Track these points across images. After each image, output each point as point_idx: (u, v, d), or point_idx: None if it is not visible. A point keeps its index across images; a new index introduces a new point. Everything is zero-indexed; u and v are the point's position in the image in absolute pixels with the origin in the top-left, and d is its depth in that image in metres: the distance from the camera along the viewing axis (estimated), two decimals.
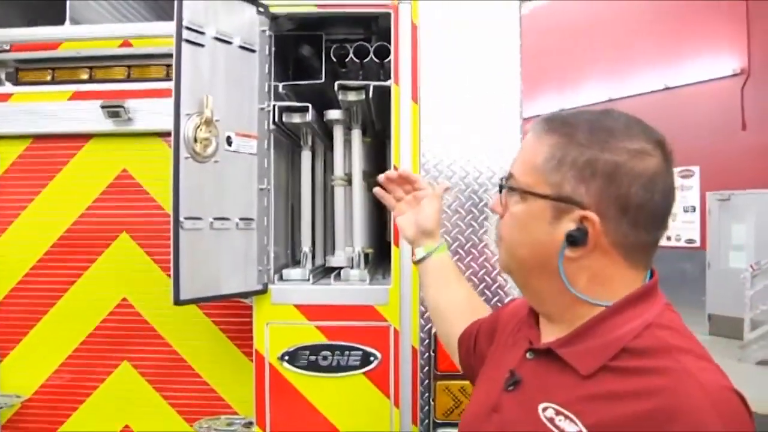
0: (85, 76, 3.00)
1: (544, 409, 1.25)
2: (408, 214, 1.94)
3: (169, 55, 2.52)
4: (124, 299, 2.92)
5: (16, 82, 3.05)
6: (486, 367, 1.55)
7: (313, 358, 2.49)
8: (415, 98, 2.51)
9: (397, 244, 2.48)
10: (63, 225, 2.95)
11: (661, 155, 1.25)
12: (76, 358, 2.96)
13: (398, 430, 2.53)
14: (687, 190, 13.12)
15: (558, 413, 1.23)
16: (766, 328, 10.60)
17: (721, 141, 12.31)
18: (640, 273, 1.30)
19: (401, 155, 2.51)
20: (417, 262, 1.93)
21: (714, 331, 12.28)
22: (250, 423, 2.75)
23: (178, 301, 2.24)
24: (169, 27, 2.46)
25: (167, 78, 2.88)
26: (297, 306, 2.51)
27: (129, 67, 2.97)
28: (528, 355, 1.36)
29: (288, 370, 2.49)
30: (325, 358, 2.49)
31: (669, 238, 13.45)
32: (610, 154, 1.22)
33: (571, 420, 1.20)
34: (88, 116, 2.88)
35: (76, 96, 2.92)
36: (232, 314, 2.85)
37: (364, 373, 2.50)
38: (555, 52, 14.20)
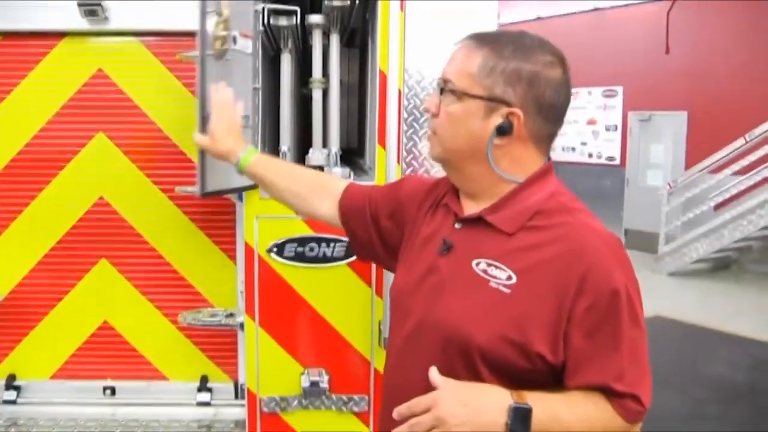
0: None
1: (477, 264, 1.59)
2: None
3: None
4: (100, 198, 2.95)
5: None
6: (408, 243, 1.86)
7: (300, 249, 2.62)
8: (402, 8, 2.59)
9: (382, 144, 2.61)
10: (37, 123, 2.92)
11: (563, 67, 1.61)
12: (53, 257, 2.99)
13: (380, 318, 2.72)
14: (610, 109, 13.52)
15: (489, 265, 1.58)
16: (678, 242, 11.24)
17: (645, 63, 12.63)
18: (543, 157, 1.67)
19: (389, 64, 2.60)
20: (241, 173, 2.15)
21: (630, 245, 12.85)
22: (232, 314, 2.88)
23: (204, 193, 2.38)
24: None
25: None
26: None
27: None
28: (457, 225, 1.69)
29: (276, 261, 2.61)
30: (311, 249, 2.62)
31: (591, 155, 13.93)
32: (531, 64, 1.56)
33: (501, 268, 1.56)
34: (63, 14, 2.82)
35: None
36: (210, 212, 2.94)
37: (347, 263, 2.64)
38: None
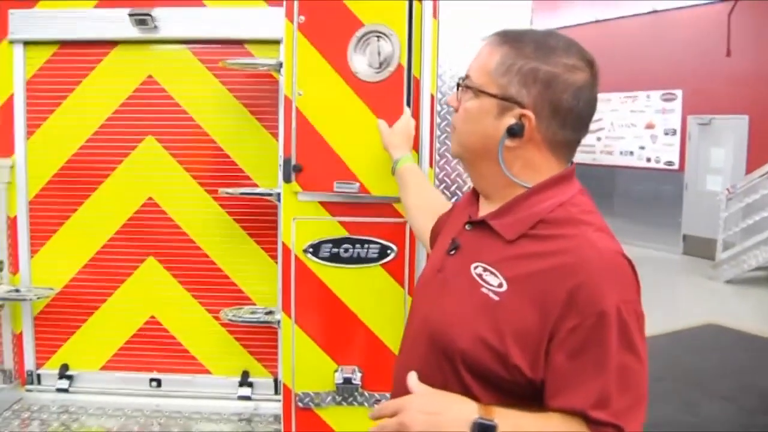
0: None
1: (475, 267, 1.56)
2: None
3: None
4: (149, 198, 3.10)
5: None
6: (438, 240, 1.87)
7: (335, 250, 2.69)
8: (435, 15, 2.64)
9: (415, 149, 2.65)
10: (91, 128, 3.09)
11: (590, 72, 1.53)
12: (104, 254, 3.15)
13: None
14: (669, 113, 13.25)
15: (485, 270, 1.53)
16: (737, 249, 10.99)
17: (705, 66, 12.35)
18: (562, 165, 1.59)
19: (422, 69, 2.66)
20: (396, 168, 2.37)
21: (688, 251, 12.70)
22: (271, 312, 2.98)
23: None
24: None
25: None
26: (321, 203, 2.69)
27: None
28: (467, 226, 1.67)
29: (312, 261, 2.69)
30: (346, 250, 2.69)
31: (649, 160, 13.70)
32: (549, 66, 1.49)
33: (494, 275, 1.51)
34: (114, 23, 2.99)
35: (102, 4, 3.01)
36: (253, 213, 3.06)
37: (381, 264, 2.70)
38: None
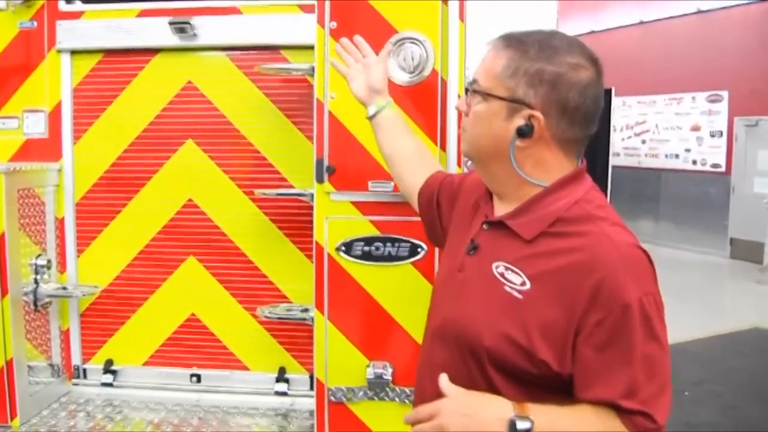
0: None
1: (497, 267, 1.61)
2: (359, 78, 2.29)
3: None
4: (189, 200, 3.21)
5: (86, 1, 3.26)
6: (451, 236, 1.91)
7: (366, 248, 2.76)
8: (462, 18, 2.72)
9: (443, 148, 2.73)
10: (133, 132, 3.22)
11: (594, 69, 1.57)
12: (147, 253, 3.27)
13: None
14: (715, 114, 13.04)
15: (507, 269, 1.58)
16: None
17: (752, 66, 12.11)
18: (573, 162, 1.64)
19: (449, 70, 2.73)
20: (370, 118, 2.29)
21: (735, 255, 12.48)
22: (306, 309, 3.06)
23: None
24: None
25: None
26: (353, 202, 2.77)
27: None
28: (484, 226, 1.71)
29: (344, 259, 2.77)
30: (377, 248, 2.76)
31: (695, 162, 13.51)
32: (554, 66, 1.53)
33: (516, 273, 1.56)
34: (156, 32, 3.12)
35: (143, 13, 3.15)
36: (288, 213, 3.15)
37: (411, 262, 2.76)
38: None
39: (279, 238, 3.18)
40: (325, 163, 2.74)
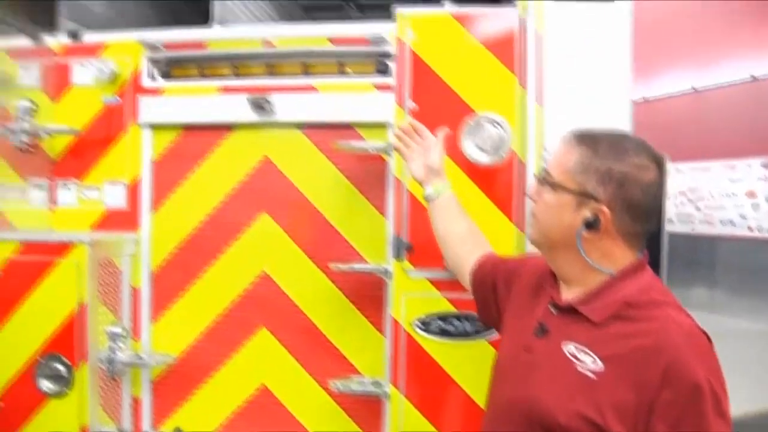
0: (228, 72, 3.34)
1: (567, 348, 1.73)
2: (418, 159, 2.48)
3: (307, 53, 3.11)
4: (263, 272, 3.26)
5: (168, 78, 3.39)
6: (511, 317, 2.06)
7: (443, 325, 2.78)
8: (540, 101, 2.77)
9: (522, 230, 2.76)
10: (210, 204, 3.30)
11: (658, 171, 1.74)
12: (220, 323, 3.31)
13: None
14: None
15: (578, 350, 1.71)
16: None
17: None
18: (635, 252, 1.79)
19: (527, 148, 2.78)
20: (427, 199, 2.48)
21: None
22: (378, 383, 3.07)
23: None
24: (305, 29, 3.10)
25: (304, 74, 3.24)
26: (430, 280, 2.80)
27: (269, 64, 3.30)
28: (553, 310, 1.85)
29: (420, 336, 2.79)
30: (453, 325, 2.78)
31: (751, 229, 13.26)
32: (623, 166, 1.71)
33: (588, 354, 1.68)
34: (234, 108, 3.23)
35: (223, 90, 3.26)
36: (361, 287, 3.17)
37: (488, 340, 2.77)
38: (640, 41, 14.06)
39: (351, 310, 3.20)
40: (404, 240, 2.78)
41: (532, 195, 1.92)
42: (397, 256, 2.81)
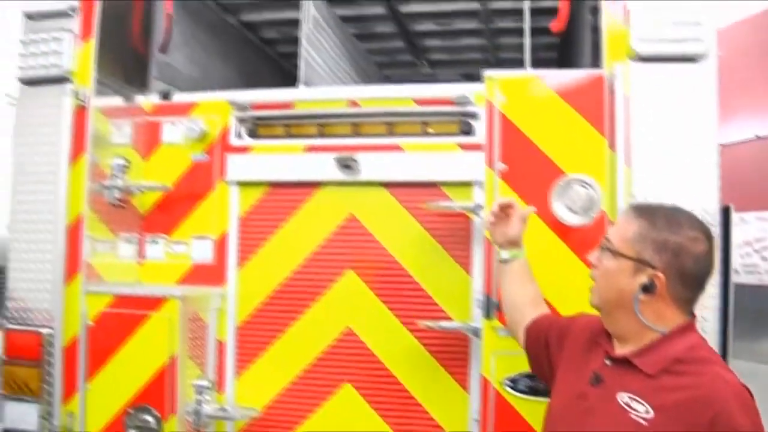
0: (314, 132, 3.43)
1: (621, 397, 1.88)
2: (500, 224, 2.59)
3: (390, 113, 3.19)
4: (347, 328, 3.30)
5: (255, 137, 3.50)
6: (564, 370, 2.19)
7: (532, 384, 2.79)
8: (629, 163, 2.81)
9: None
10: (296, 261, 3.37)
11: (708, 243, 1.92)
12: (304, 378, 3.35)
13: None
14: None
15: (632, 399, 1.85)
16: None
17: None
18: (685, 315, 1.96)
19: (617, 209, 2.79)
20: (502, 262, 2.62)
21: None
22: None
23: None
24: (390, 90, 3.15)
25: (389, 134, 3.32)
26: None
27: (355, 124, 3.39)
28: (607, 362, 2.00)
29: (510, 394, 2.80)
30: (542, 384, 2.78)
31: None
32: (677, 237, 1.89)
33: (641, 403, 1.83)
34: (319, 166, 3.32)
35: (310, 149, 3.36)
36: (445, 344, 3.19)
37: None
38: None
39: (435, 367, 3.21)
40: (494, 300, 2.80)
41: (592, 260, 2.08)
42: (487, 315, 2.83)
